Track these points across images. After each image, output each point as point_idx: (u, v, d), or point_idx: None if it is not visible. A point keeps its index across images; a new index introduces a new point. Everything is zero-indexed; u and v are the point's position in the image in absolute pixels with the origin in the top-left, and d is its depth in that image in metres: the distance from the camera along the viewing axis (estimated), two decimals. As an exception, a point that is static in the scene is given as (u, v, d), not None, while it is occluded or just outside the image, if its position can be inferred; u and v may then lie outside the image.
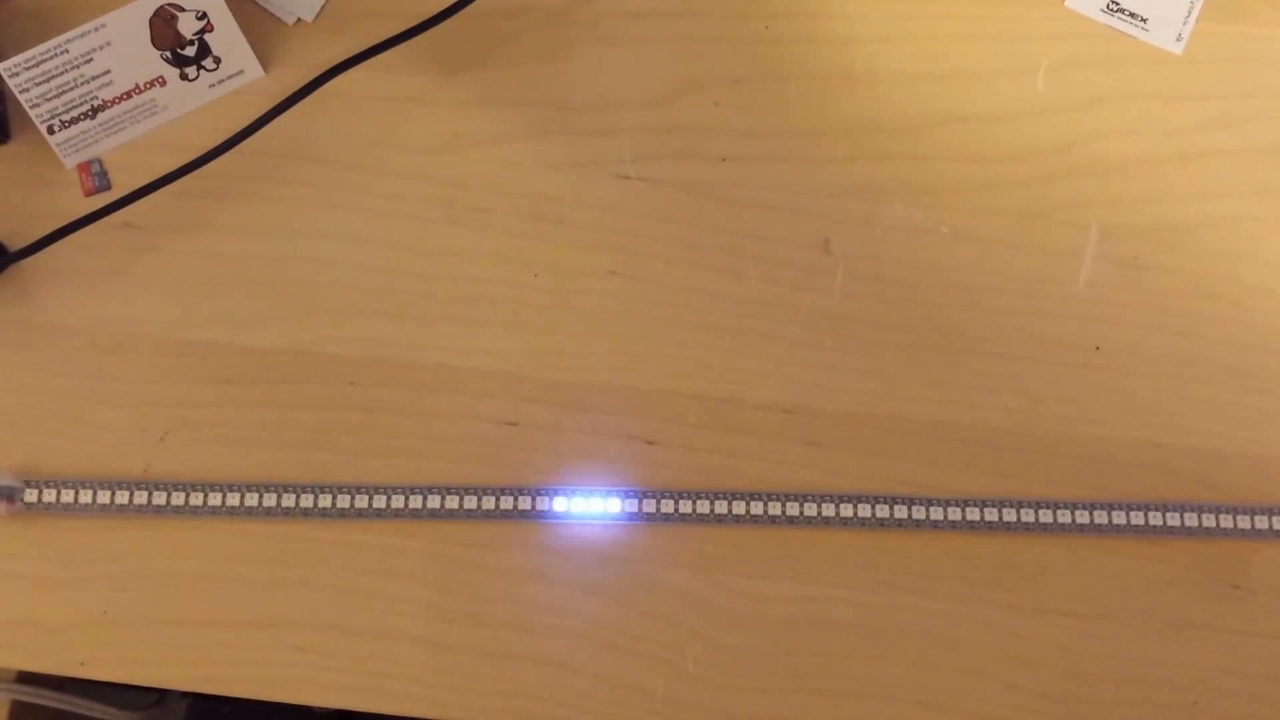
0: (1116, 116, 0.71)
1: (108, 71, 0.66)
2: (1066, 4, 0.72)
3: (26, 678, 0.67)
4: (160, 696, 0.77)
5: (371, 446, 0.66)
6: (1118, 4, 0.71)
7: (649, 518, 0.65)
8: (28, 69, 0.65)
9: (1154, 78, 0.71)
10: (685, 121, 0.70)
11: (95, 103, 0.67)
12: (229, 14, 0.67)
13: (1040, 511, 0.65)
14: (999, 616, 0.65)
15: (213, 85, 0.69)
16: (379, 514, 0.64)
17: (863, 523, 0.65)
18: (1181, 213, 0.70)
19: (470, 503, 0.64)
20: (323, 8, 0.70)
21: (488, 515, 0.65)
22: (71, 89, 0.66)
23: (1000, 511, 0.65)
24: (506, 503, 0.65)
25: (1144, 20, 0.71)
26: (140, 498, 0.64)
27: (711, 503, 0.65)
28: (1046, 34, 0.72)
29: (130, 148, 0.69)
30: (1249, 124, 0.71)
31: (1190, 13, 0.71)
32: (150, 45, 0.67)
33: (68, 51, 0.65)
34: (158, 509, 0.64)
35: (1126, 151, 0.70)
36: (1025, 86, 0.71)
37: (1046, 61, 0.71)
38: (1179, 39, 0.71)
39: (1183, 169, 0.70)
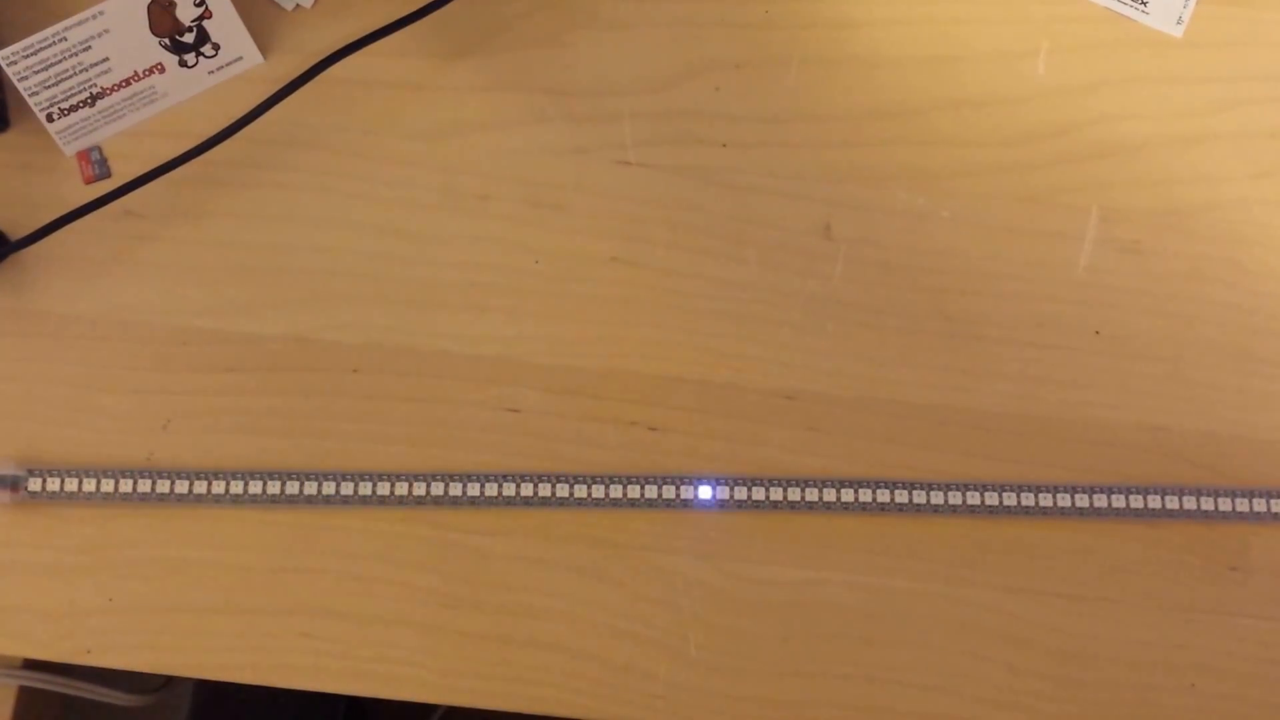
0: (1117, 100, 0.71)
1: (106, 59, 0.66)
2: (1067, -13, 0.72)
3: (32, 663, 0.67)
4: (167, 679, 0.77)
5: (374, 433, 0.66)
6: (1118, -14, 0.71)
7: (651, 503, 0.65)
8: (26, 57, 0.65)
9: (1154, 61, 0.71)
10: (686, 107, 0.70)
11: (94, 90, 0.67)
12: (228, 0, 0.67)
13: (1040, 495, 0.66)
14: (999, 599, 0.65)
15: (212, 72, 0.69)
16: (382, 501, 0.65)
17: (863, 507, 0.65)
18: (1182, 196, 0.70)
19: (473, 490, 0.65)
20: (321, -7, 0.70)
21: (490, 502, 0.65)
22: (70, 77, 0.66)
23: (1000, 495, 0.66)
24: (509, 489, 0.65)
25: (1144, 3, 0.71)
26: (144, 486, 0.64)
27: (713, 488, 0.65)
28: (1047, 16, 0.71)
29: (130, 135, 0.69)
30: (1250, 107, 0.71)
31: (1191, -5, 0.71)
32: (148, 32, 0.66)
33: (66, 39, 0.65)
34: (161, 497, 0.64)
35: (1127, 135, 0.70)
36: (1026, 70, 0.71)
37: (1047, 44, 0.71)
38: (1179, 22, 0.71)
39: (1183, 152, 0.70)
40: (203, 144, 0.66)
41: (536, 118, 0.69)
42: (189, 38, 0.67)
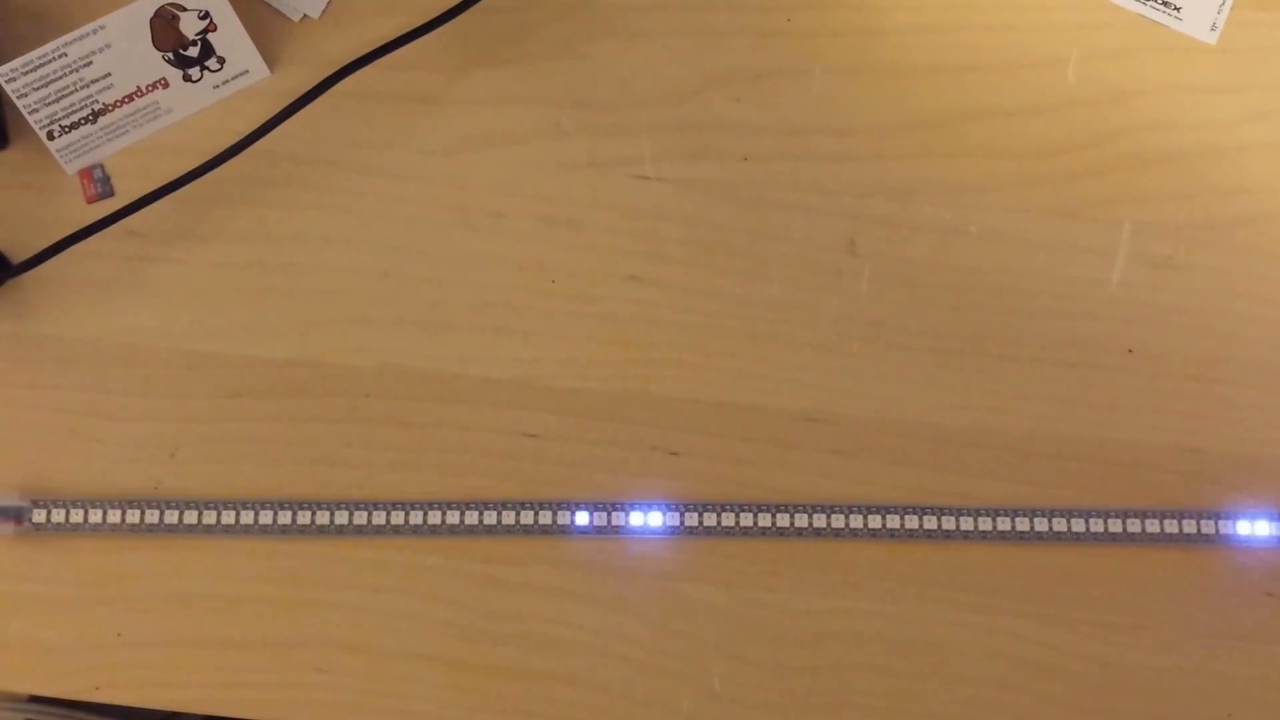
0: (1149, 109, 0.68)
1: (108, 74, 0.64)
2: (1098, -8, 0.69)
3: (39, 697, 0.65)
4: (174, 712, 0.76)
5: (387, 460, 0.64)
6: (1151, -9, 0.69)
7: (672, 531, 0.64)
8: (25, 73, 0.63)
9: (1187, 69, 0.69)
10: (705, 119, 0.68)
11: (96, 107, 0.65)
12: (232, 13, 0.65)
13: (1072, 520, 0.64)
14: (1030, 628, 0.64)
15: (217, 86, 0.67)
16: (396, 530, 0.63)
17: (891, 534, 0.64)
18: (1217, 209, 0.68)
19: (489, 518, 0.63)
20: (329, 4, 0.68)
21: (507, 531, 0.63)
22: (71, 93, 0.64)
23: (1031, 521, 0.64)
24: (526, 518, 0.63)
25: (1177, 9, 0.69)
26: (152, 516, 0.62)
27: (736, 515, 0.64)
28: (1077, 24, 0.69)
29: (133, 152, 0.67)
30: (1286, 116, 0.69)
31: (1224, 1, 0.69)
32: (151, 46, 0.64)
33: (66, 55, 0.63)
34: (170, 528, 0.63)
35: (1159, 146, 0.68)
36: (1055, 79, 0.69)
37: (1077, 52, 0.69)
38: (1213, 28, 0.69)
39: (1218, 163, 0.68)
40: (209, 161, 0.64)
41: (552, 131, 0.67)
42: (193, 51, 0.65)
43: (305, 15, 0.68)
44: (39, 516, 0.62)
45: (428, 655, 0.63)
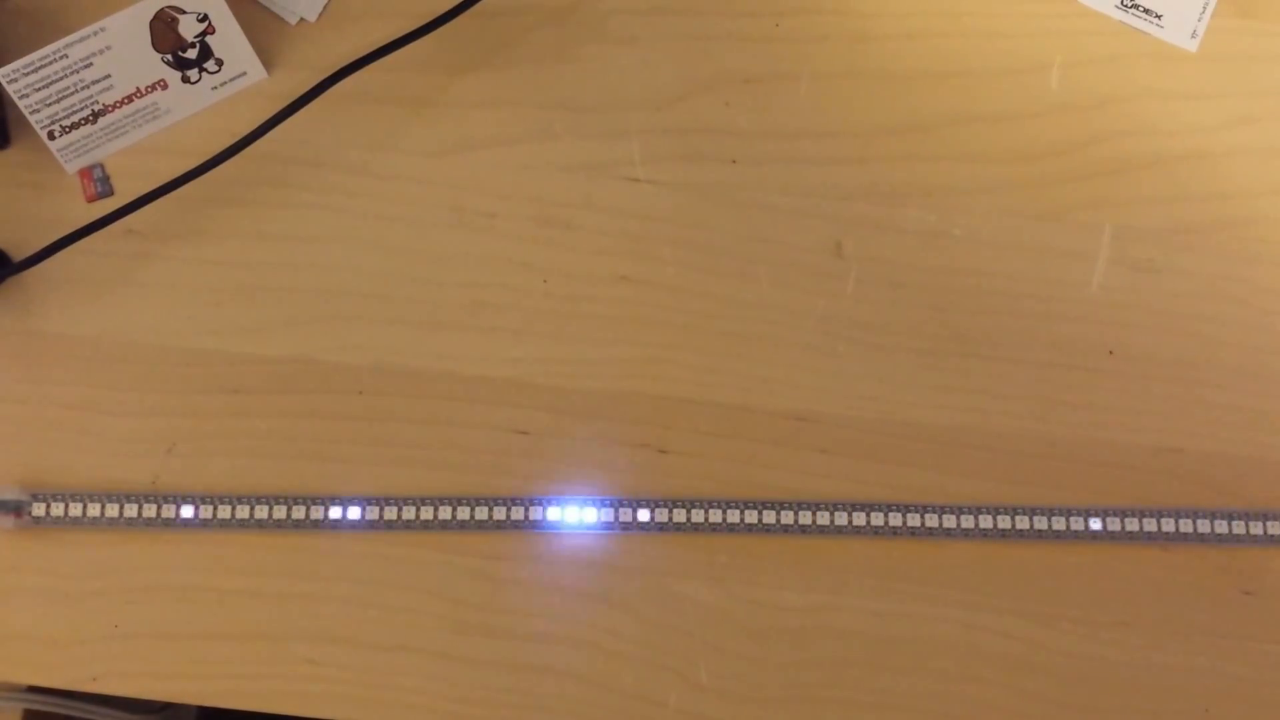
0: (1130, 115, 0.70)
1: (108, 76, 0.65)
2: (1080, 0, 0.71)
3: (37, 687, 0.66)
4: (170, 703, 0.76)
5: (381, 456, 0.65)
6: (1132, 0, 0.70)
7: (661, 527, 0.64)
8: (26, 74, 0.64)
9: (1169, 75, 0.70)
10: (695, 122, 0.69)
11: (96, 107, 0.66)
12: (230, 15, 0.66)
13: (1053, 518, 0.65)
14: (1012, 624, 0.65)
15: (215, 88, 0.68)
16: (389, 525, 0.64)
17: (875, 531, 0.65)
18: (1196, 213, 0.69)
19: (481, 513, 0.64)
20: (325, 7, 0.69)
21: (498, 526, 0.64)
22: (71, 94, 0.65)
23: (1013, 519, 0.65)
24: (517, 513, 0.64)
25: (1159, 16, 0.70)
26: (149, 510, 0.63)
27: (724, 511, 0.65)
28: (1060, 30, 0.70)
29: (132, 152, 0.68)
30: (1265, 122, 0.70)
31: (1205, 9, 0.70)
32: (151, 48, 0.65)
33: (67, 56, 0.64)
34: (167, 522, 0.63)
35: (1140, 151, 0.69)
36: (1038, 85, 0.70)
37: (1060, 59, 0.70)
38: (1194, 36, 0.70)
39: (1198, 168, 0.69)
40: (207, 162, 0.65)
41: (545, 134, 0.69)
42: (192, 53, 0.66)
43: (302, 18, 0.69)
44: (38, 510, 0.63)
45: (419, 648, 0.63)
